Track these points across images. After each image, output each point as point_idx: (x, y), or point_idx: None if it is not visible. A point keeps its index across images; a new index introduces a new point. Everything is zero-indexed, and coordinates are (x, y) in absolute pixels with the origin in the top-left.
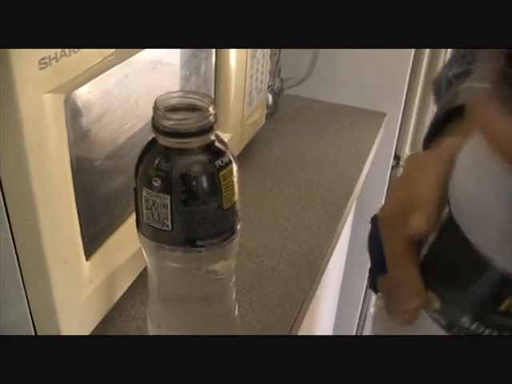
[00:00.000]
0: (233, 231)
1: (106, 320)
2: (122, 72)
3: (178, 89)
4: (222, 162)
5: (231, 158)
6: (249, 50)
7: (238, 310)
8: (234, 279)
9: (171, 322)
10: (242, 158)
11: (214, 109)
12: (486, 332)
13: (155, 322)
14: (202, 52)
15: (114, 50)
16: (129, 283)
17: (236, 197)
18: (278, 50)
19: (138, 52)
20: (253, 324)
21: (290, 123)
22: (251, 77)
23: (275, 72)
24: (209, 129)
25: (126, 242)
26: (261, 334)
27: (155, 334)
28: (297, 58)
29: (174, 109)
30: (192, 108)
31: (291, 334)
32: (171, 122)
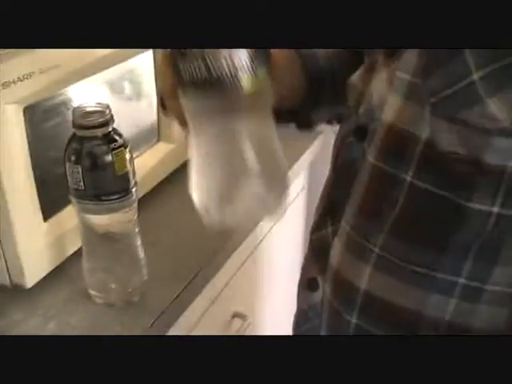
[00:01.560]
0: (127, 192)
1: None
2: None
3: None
4: (114, 145)
5: (123, 144)
6: None
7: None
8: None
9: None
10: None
11: (109, 112)
12: (192, 69)
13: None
14: None
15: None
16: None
17: (127, 169)
18: None
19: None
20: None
21: None
22: None
23: None
24: (105, 123)
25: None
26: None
27: (86, 268)
28: None
29: (86, 112)
30: (97, 112)
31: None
32: (82, 120)
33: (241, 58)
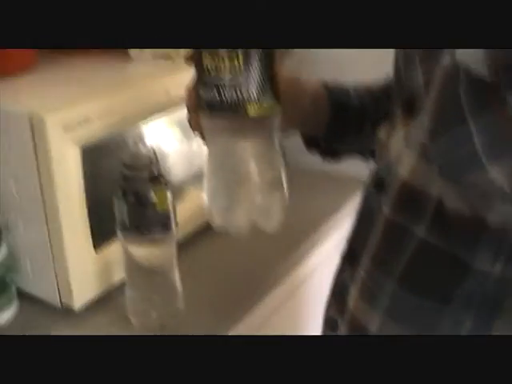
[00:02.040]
0: (167, 227)
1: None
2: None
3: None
4: (157, 185)
5: (165, 184)
6: None
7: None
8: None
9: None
10: None
11: (155, 155)
12: (209, 94)
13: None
14: None
15: (123, 116)
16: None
17: (168, 207)
18: None
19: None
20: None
21: None
22: None
23: None
24: (151, 165)
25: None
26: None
27: (128, 297)
28: None
29: (135, 154)
30: (144, 154)
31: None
32: (130, 162)
33: (249, 89)
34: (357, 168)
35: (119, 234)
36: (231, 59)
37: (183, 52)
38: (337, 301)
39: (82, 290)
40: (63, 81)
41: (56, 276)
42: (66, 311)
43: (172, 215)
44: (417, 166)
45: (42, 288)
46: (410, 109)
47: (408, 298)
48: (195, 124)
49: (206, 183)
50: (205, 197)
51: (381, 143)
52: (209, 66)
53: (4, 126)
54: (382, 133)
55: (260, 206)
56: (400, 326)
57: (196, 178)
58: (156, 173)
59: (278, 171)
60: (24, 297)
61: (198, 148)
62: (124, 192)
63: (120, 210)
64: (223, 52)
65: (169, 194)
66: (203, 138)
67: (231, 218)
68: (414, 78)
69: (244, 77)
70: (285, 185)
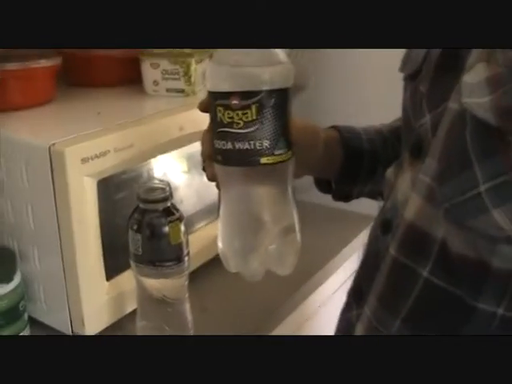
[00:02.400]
0: (180, 260)
1: (116, 324)
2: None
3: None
4: (171, 218)
5: (179, 217)
6: None
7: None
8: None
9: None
10: None
11: (169, 189)
12: (223, 145)
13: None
14: None
15: (139, 150)
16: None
17: (181, 240)
18: None
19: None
20: None
21: None
22: None
23: None
24: (165, 199)
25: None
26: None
27: (139, 326)
28: None
29: (150, 188)
30: (158, 188)
31: None
32: (145, 195)
33: (262, 141)
34: (364, 204)
35: (132, 265)
36: (244, 112)
37: (197, 88)
38: None
39: (94, 319)
40: (81, 113)
41: (68, 305)
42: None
43: (185, 247)
44: (422, 209)
45: (55, 317)
46: (418, 152)
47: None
48: (210, 172)
49: (220, 228)
50: (219, 242)
51: (388, 184)
52: (222, 118)
53: (23, 156)
54: (389, 174)
55: (274, 251)
56: None
57: (206, 212)
58: (170, 206)
59: (291, 217)
60: (36, 325)
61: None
62: (139, 225)
63: (134, 242)
64: (236, 105)
65: (182, 227)
66: (218, 185)
67: (245, 263)
68: (422, 121)
69: (257, 129)
70: (298, 230)
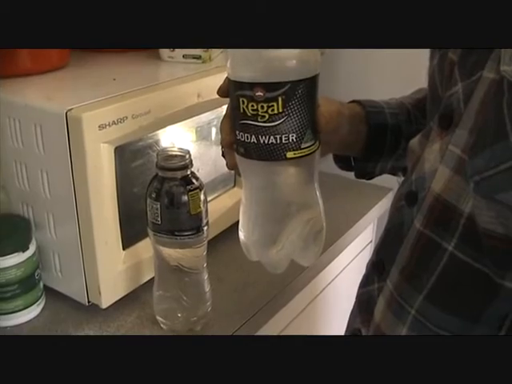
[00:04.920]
0: (199, 230)
1: (131, 294)
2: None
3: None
4: (191, 187)
5: (199, 186)
6: None
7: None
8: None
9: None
10: None
11: (189, 157)
12: (246, 138)
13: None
14: None
15: (156, 117)
16: (149, 276)
17: (201, 209)
18: None
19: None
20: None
21: None
22: None
23: None
24: (184, 167)
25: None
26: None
27: (156, 296)
28: None
29: (169, 156)
30: (178, 156)
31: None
32: (164, 163)
33: (289, 134)
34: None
35: (150, 234)
36: (269, 104)
37: (214, 55)
38: (362, 311)
39: (111, 289)
40: (96, 79)
41: (85, 274)
42: (93, 308)
43: (204, 217)
44: (450, 181)
45: (70, 286)
46: (448, 123)
47: (436, 314)
48: (231, 161)
49: (241, 218)
50: (240, 232)
51: (413, 155)
52: (246, 110)
53: (38, 123)
54: (414, 145)
55: (298, 242)
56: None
57: (221, 181)
58: (190, 174)
59: (316, 206)
60: (51, 294)
61: None
62: (158, 193)
63: (153, 211)
64: (261, 96)
65: (202, 196)
66: (239, 173)
67: (268, 254)
68: (452, 90)
69: (283, 122)
70: (323, 219)
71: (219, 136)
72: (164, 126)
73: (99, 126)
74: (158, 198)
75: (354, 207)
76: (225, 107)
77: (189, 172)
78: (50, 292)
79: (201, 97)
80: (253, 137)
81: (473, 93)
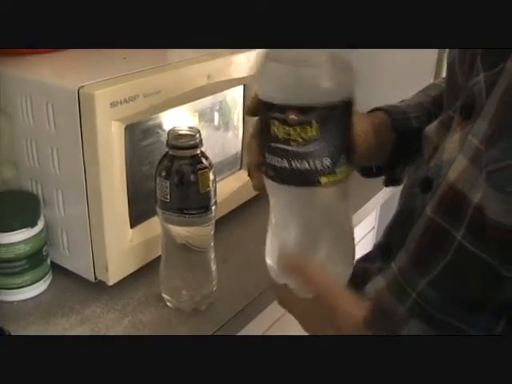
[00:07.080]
0: (207, 209)
1: (138, 272)
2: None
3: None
4: (201, 166)
5: (208, 166)
6: None
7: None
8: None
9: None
10: None
11: (199, 136)
12: (276, 161)
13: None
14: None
15: (167, 97)
16: (156, 254)
17: (210, 188)
18: None
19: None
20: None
21: None
22: None
23: None
24: (194, 146)
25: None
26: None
27: (163, 274)
28: None
29: (179, 134)
30: (188, 135)
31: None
32: (174, 141)
33: (323, 159)
34: None
35: (159, 212)
36: (303, 128)
37: None
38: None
39: (118, 266)
40: (106, 58)
41: (92, 252)
42: (100, 286)
43: (213, 196)
44: (466, 170)
45: (78, 263)
46: (469, 113)
47: (436, 300)
48: (257, 183)
49: (268, 242)
50: (267, 256)
51: (430, 142)
52: (277, 133)
53: (50, 99)
54: (430, 132)
55: (327, 263)
56: (424, 326)
57: (228, 163)
58: (199, 153)
59: (349, 233)
60: (58, 271)
61: (234, 136)
62: (167, 171)
63: (162, 189)
64: (294, 120)
65: (211, 175)
66: (264, 192)
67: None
68: (475, 80)
69: (317, 146)
70: (354, 235)
71: (224, 120)
72: (174, 106)
73: (111, 104)
74: (167, 176)
75: (357, 193)
76: (232, 89)
77: (198, 151)
78: (57, 269)
79: (211, 78)
80: (284, 161)
81: (495, 84)
